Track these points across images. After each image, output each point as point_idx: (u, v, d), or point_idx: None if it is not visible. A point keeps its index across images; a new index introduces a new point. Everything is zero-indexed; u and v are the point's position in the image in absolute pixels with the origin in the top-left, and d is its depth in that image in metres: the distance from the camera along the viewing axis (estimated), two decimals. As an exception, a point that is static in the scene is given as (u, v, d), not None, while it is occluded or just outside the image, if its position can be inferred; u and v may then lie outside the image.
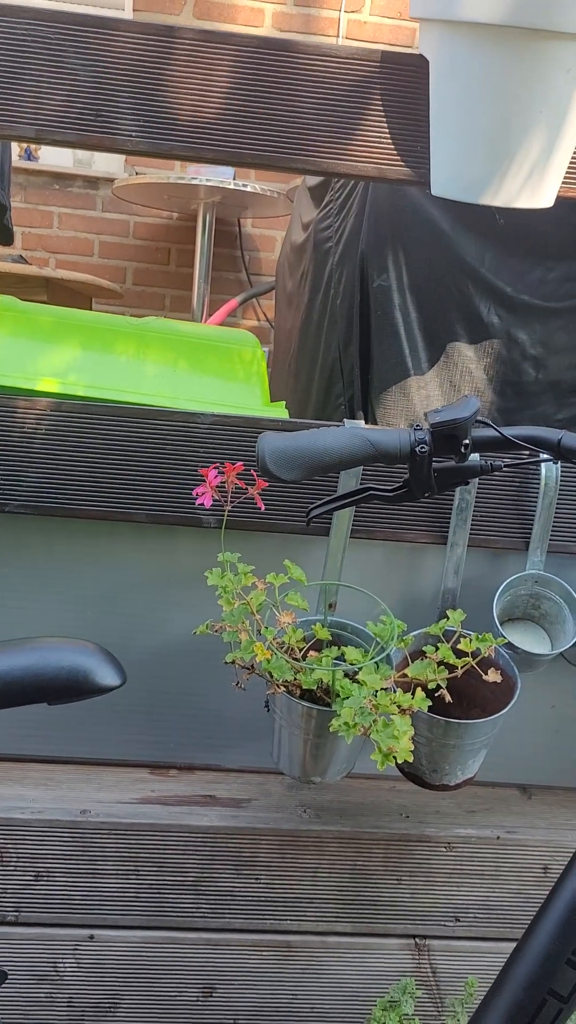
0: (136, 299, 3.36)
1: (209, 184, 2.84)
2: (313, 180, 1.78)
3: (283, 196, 2.92)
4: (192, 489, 1.17)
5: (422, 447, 0.89)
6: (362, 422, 1.26)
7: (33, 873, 1.25)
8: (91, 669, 0.66)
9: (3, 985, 1.21)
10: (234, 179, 2.94)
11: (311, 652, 1.20)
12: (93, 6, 3.14)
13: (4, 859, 1.23)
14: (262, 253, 3.45)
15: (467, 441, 0.89)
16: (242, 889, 1.28)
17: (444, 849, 1.30)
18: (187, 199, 3.06)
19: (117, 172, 3.28)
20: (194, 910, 1.28)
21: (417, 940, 1.32)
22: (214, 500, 1.10)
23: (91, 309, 3.07)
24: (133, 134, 1.15)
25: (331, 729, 1.05)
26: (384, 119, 1.16)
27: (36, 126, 1.13)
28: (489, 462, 0.94)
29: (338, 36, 3.22)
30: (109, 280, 3.06)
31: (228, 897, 1.28)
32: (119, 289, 3.04)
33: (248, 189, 2.88)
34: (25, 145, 3.18)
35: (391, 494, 0.95)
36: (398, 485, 0.95)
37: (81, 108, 1.14)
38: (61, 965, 1.26)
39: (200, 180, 2.84)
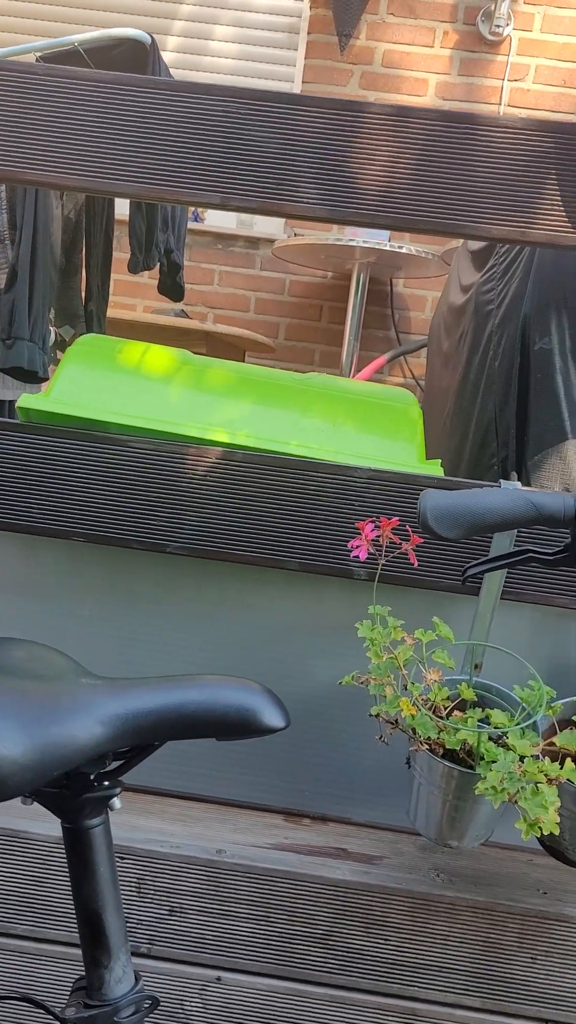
0: (287, 353, 3.47)
1: (365, 245, 2.91)
2: (476, 244, 1.81)
3: (437, 258, 2.96)
4: (344, 541, 1.19)
5: (587, 512, 0.88)
6: (518, 483, 1.26)
7: (168, 907, 1.28)
8: (259, 709, 0.68)
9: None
10: (389, 240, 3.01)
11: (455, 712, 1.19)
12: (266, 79, 3.32)
13: (142, 891, 1.27)
14: (412, 312, 3.50)
15: None
16: (371, 948, 1.27)
17: (584, 932, 1.24)
18: (343, 259, 3.15)
19: (277, 233, 3.41)
20: (322, 964, 1.27)
21: (550, 1025, 1.27)
22: (367, 554, 1.12)
23: (244, 361, 3.20)
24: (311, 201, 1.21)
25: (477, 792, 1.03)
26: (557, 187, 1.17)
27: (222, 193, 1.21)
28: None
29: (500, 104, 3.27)
30: (263, 335, 3.17)
31: (356, 955, 1.27)
32: (272, 343, 3.15)
33: (403, 251, 2.94)
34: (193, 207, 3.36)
35: (551, 558, 0.95)
36: (559, 549, 0.94)
37: (264, 176, 1.21)
38: (188, 1004, 1.28)
39: (357, 242, 2.92)
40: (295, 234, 3.33)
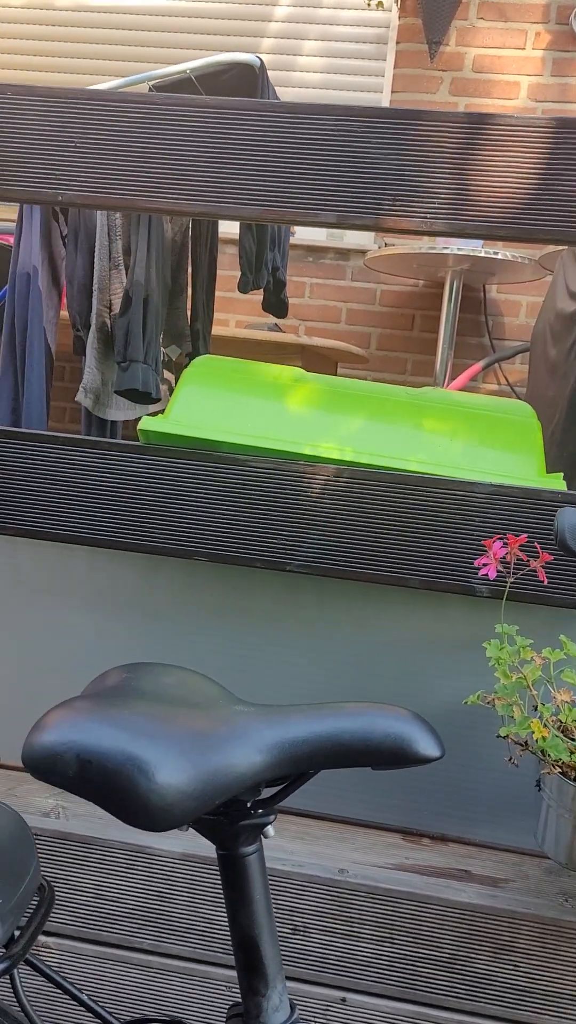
0: (379, 364, 3.45)
1: (460, 253, 2.88)
2: (586, 249, 1.77)
3: (532, 262, 2.91)
4: (466, 557, 1.18)
5: None
6: None
7: (291, 926, 1.27)
8: (415, 738, 0.67)
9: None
10: (483, 246, 2.97)
11: (585, 733, 1.15)
12: (355, 91, 3.32)
13: (266, 908, 1.27)
14: (506, 318, 3.44)
15: None
16: (499, 974, 1.24)
17: None
18: (435, 267, 3.12)
19: (367, 244, 3.41)
20: (448, 988, 1.25)
21: None
22: (496, 572, 1.10)
23: (336, 373, 3.19)
24: (428, 215, 1.20)
25: (620, 819, 1.00)
26: None
27: (337, 212, 1.21)
28: None
29: (595, 102, 3.20)
30: (355, 345, 3.17)
31: (484, 980, 1.24)
32: (365, 354, 3.14)
33: (498, 256, 2.89)
34: (283, 221, 3.38)
35: None
36: None
37: (379, 193, 1.21)
38: (314, 1024, 1.27)
39: (451, 249, 2.89)
40: (386, 244, 3.32)
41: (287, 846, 1.33)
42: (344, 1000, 1.27)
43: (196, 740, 0.63)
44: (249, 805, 0.70)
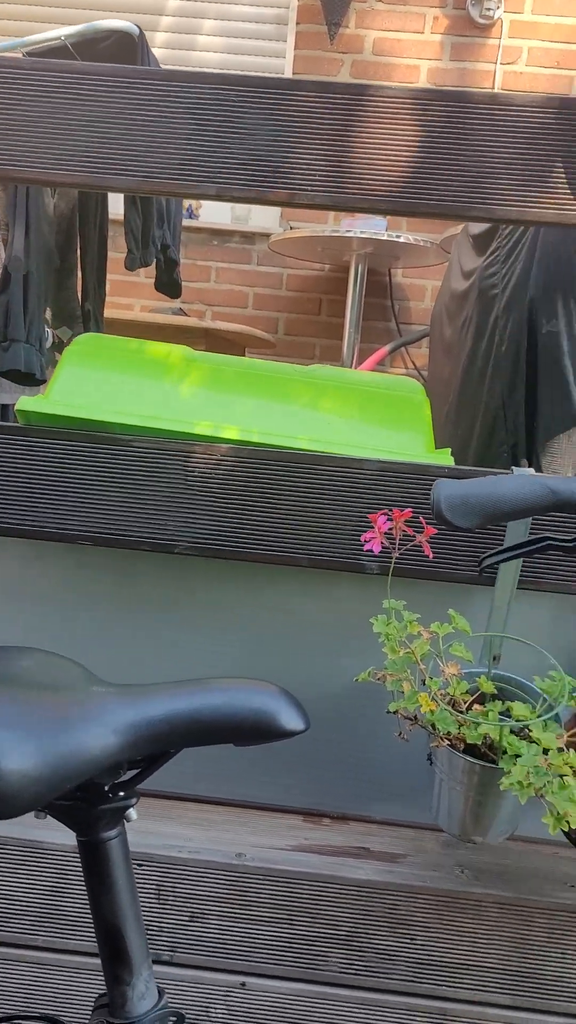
0: (287, 348, 3.44)
1: (362, 236, 2.89)
2: (477, 228, 1.78)
3: (435, 246, 2.93)
4: (356, 535, 1.17)
5: (607, 496, 0.86)
6: (531, 470, 1.23)
7: (189, 913, 1.25)
8: (277, 712, 0.66)
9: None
10: (386, 230, 2.98)
11: (475, 705, 1.16)
12: (256, 71, 3.29)
13: (162, 897, 1.25)
14: (411, 302, 3.47)
15: None
16: (397, 949, 1.24)
17: (614, 925, 1.22)
18: (340, 251, 3.12)
19: (272, 227, 3.39)
20: (348, 966, 1.25)
21: (582, 1021, 1.24)
22: (381, 546, 1.09)
23: (243, 357, 3.17)
24: (310, 189, 1.18)
25: (503, 788, 1.01)
26: (562, 165, 1.14)
27: (217, 184, 1.18)
28: None
29: (493, 88, 3.23)
30: (262, 330, 3.15)
31: (383, 956, 1.24)
32: (272, 339, 3.12)
33: (401, 240, 2.91)
34: (187, 204, 3.34)
35: (571, 544, 0.92)
36: (578, 535, 0.91)
37: (260, 165, 1.19)
38: (213, 1011, 1.26)
39: (354, 232, 2.89)
40: (291, 227, 3.31)
41: (184, 832, 1.31)
42: (244, 984, 1.26)
43: (45, 722, 0.60)
44: (107, 788, 0.68)
